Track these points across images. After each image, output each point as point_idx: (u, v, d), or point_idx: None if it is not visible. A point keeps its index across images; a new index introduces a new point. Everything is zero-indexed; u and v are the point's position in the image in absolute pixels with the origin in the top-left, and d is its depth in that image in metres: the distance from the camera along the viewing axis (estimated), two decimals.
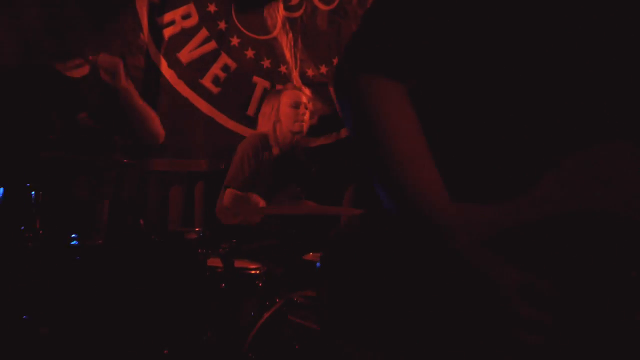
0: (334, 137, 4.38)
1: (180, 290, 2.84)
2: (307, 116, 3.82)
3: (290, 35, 4.30)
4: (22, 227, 2.50)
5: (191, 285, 2.90)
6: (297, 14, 4.33)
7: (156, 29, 3.97)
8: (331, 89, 4.35)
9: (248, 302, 3.05)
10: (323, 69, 4.38)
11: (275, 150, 3.76)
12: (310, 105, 3.85)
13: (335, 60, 4.39)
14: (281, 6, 4.27)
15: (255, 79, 4.16)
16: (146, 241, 2.93)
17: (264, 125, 3.81)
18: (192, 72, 4.05)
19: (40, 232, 2.51)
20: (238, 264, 3.05)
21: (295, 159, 3.82)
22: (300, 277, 3.17)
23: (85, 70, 3.05)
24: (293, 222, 3.51)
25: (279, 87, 4.07)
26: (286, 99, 3.81)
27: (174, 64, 4.01)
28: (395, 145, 1.22)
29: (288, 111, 3.77)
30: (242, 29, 4.16)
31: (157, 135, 3.19)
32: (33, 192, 2.54)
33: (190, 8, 4.04)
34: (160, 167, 3.97)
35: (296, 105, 3.78)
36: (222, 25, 4.12)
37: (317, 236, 3.51)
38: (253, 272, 3.06)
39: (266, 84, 4.18)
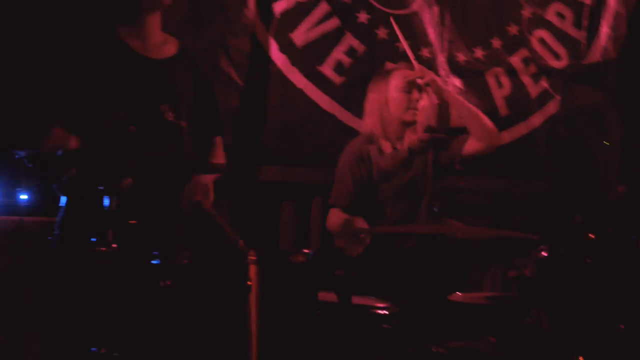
0: None
1: (282, 329, 2.60)
2: (424, 103, 3.25)
3: (436, 9, 3.80)
4: (94, 239, 2.33)
5: (296, 323, 2.66)
6: None
7: (264, 3, 3.56)
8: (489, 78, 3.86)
9: (373, 353, 2.83)
10: (478, 53, 3.85)
11: (389, 150, 3.21)
12: (431, 90, 3.28)
13: (494, 41, 3.83)
14: None
15: (389, 65, 3.54)
16: (241, 263, 2.63)
17: (370, 117, 3.24)
18: (309, 57, 3.64)
19: (114, 245, 2.33)
20: (359, 300, 2.80)
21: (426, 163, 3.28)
22: (444, 322, 2.92)
23: (172, 48, 2.66)
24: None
25: (390, 66, 3.51)
26: (396, 81, 3.26)
27: (286, 47, 3.59)
28: None
29: (397, 96, 3.22)
30: (372, 1, 3.70)
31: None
32: (106, 197, 2.36)
33: None
34: (270, 176, 3.53)
35: (408, 89, 3.22)
36: None
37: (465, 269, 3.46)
38: (380, 311, 2.78)
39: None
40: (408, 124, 3.24)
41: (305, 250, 2.85)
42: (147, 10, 2.63)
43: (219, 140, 2.84)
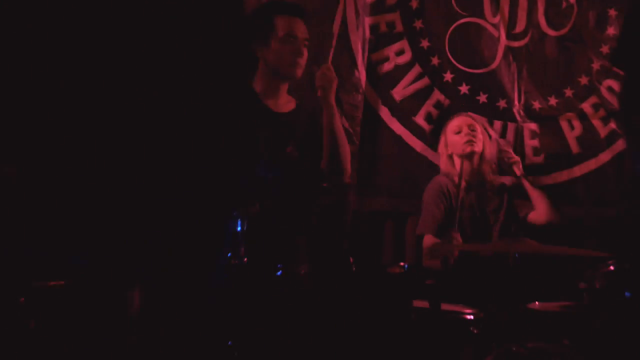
0: (565, 175, 4.05)
1: (382, 330, 2.83)
2: (479, 136, 3.69)
3: (514, 65, 4.08)
4: (229, 254, 2.62)
5: (394, 325, 2.88)
6: (521, 43, 4.09)
7: (371, 65, 4.01)
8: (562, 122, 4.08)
9: (461, 352, 3.01)
10: (552, 101, 4.08)
11: (464, 184, 3.62)
12: (479, 127, 3.73)
13: (567, 91, 4.08)
14: (503, 36, 4.07)
15: (471, 115, 3.94)
16: (349, 273, 2.91)
17: (443, 162, 3.76)
18: (406, 110, 4.05)
19: (245, 259, 2.63)
20: (448, 307, 3.02)
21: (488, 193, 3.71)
22: (522, 326, 3.02)
23: (292, 105, 3.19)
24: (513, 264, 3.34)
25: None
26: (451, 126, 3.75)
27: (387, 101, 4.04)
28: None
29: (453, 139, 3.71)
30: (455, 63, 4.08)
31: (344, 168, 3.15)
32: (240, 220, 2.67)
33: (404, 44, 4.05)
34: (376, 206, 4.02)
35: (458, 130, 3.70)
36: (435, 60, 4.06)
37: (541, 282, 3.42)
38: (467, 316, 2.99)
39: (482, 120, 3.99)
40: (467, 157, 3.66)
41: (401, 263, 3.05)
42: (284, 80, 3.14)
43: None
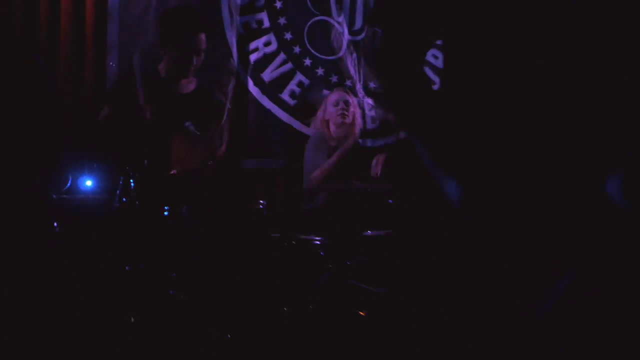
0: (395, 137, 5.10)
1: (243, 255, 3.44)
2: (351, 110, 4.36)
3: (355, 55, 5.06)
4: (124, 200, 3.14)
5: (255, 251, 3.50)
6: (359, 37, 5.12)
7: (244, 55, 4.90)
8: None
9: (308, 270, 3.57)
10: None
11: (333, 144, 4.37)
12: (354, 101, 4.44)
13: None
14: (346, 31, 5.06)
15: (325, 92, 4.91)
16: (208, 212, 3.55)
17: (321, 123, 4.46)
18: (273, 89, 4.95)
19: (137, 202, 3.17)
20: (303, 236, 3.65)
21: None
22: (357, 248, 3.67)
23: (192, 87, 3.74)
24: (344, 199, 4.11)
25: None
26: (331, 99, 4.44)
27: (258, 82, 4.92)
28: None
29: (331, 110, 4.38)
30: (313, 51, 4.99)
31: (226, 137, 3.96)
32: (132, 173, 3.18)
33: (271, 37, 4.97)
34: (250, 165, 4.90)
35: (336, 103, 4.36)
36: (296, 49, 5.01)
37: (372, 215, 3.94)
38: (316, 242, 3.63)
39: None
40: (340, 126, 4.33)
41: (260, 201, 3.80)
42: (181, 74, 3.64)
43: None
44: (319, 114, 4.52)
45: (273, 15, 4.99)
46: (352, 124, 4.41)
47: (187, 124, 3.53)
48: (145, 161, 3.31)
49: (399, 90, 1.81)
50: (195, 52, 3.58)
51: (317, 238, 3.66)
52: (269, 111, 4.96)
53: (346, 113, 4.36)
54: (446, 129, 1.72)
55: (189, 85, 3.74)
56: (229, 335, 3.11)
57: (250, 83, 4.94)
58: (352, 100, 4.49)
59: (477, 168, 1.63)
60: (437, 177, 1.68)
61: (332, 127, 4.43)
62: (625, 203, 1.46)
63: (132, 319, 3.05)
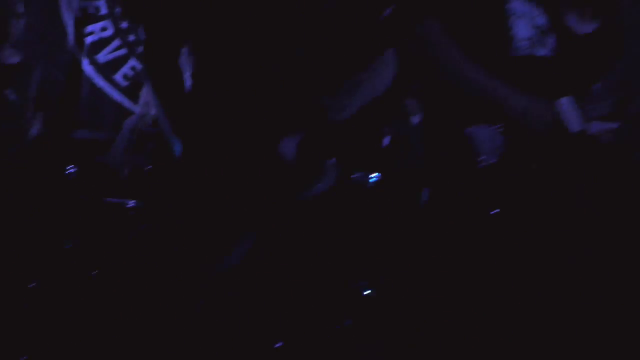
0: None
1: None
2: None
3: None
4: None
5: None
6: None
7: (80, 36, 5.22)
8: None
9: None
10: None
11: None
12: None
13: None
14: None
15: None
16: None
17: None
18: (108, 70, 5.32)
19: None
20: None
21: None
22: None
23: (16, 59, 3.95)
24: None
25: None
26: None
27: (93, 62, 5.29)
28: None
29: None
30: None
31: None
32: None
33: (108, 23, 5.42)
34: (80, 136, 5.04)
35: None
36: (131, 37, 5.48)
37: None
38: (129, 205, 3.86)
39: None
40: None
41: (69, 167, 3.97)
42: None
43: None
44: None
45: (111, 3, 5.46)
46: None
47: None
48: None
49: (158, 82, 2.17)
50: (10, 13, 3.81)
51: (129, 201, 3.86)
52: (101, 90, 5.35)
53: None
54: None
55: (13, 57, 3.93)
56: None
57: (86, 62, 5.32)
58: None
59: None
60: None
61: None
62: None
63: None
